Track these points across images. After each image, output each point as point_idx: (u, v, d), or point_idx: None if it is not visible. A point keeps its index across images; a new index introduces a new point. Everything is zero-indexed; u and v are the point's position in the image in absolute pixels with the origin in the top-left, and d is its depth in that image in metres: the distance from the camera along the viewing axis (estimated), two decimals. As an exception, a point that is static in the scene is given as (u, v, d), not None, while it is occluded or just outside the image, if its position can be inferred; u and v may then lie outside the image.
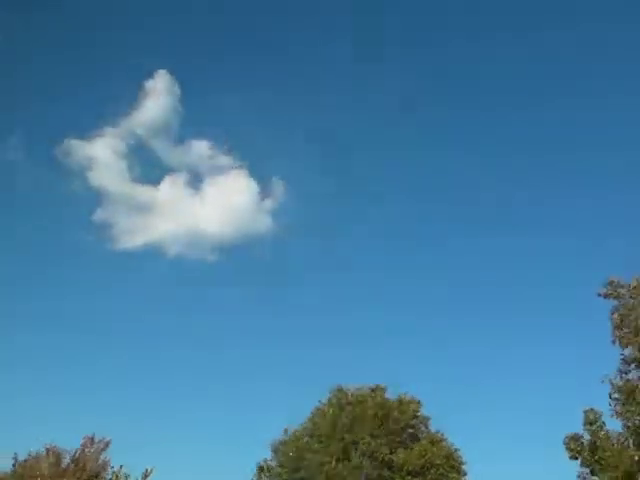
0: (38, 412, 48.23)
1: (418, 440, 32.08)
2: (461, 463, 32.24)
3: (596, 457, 20.82)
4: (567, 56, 73.10)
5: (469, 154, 71.46)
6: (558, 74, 72.48)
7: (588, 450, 21.09)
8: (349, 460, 30.82)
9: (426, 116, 75.19)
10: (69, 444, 28.26)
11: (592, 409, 21.64)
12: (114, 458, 28.52)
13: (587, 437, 21.55)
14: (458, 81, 74.92)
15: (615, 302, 22.12)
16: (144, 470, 27.70)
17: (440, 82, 74.39)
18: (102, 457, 28.29)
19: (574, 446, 21.32)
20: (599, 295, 22.44)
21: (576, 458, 21.40)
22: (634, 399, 21.01)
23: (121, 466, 28.07)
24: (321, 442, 31.44)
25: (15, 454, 27.61)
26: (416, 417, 32.83)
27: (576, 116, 72.28)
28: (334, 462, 30.79)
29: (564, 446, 21.58)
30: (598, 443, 20.92)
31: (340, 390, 33.56)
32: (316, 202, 68.57)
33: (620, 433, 21.34)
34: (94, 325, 62.24)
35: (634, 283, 22.09)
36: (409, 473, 30.37)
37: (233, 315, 66.80)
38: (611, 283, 22.24)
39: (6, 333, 57.65)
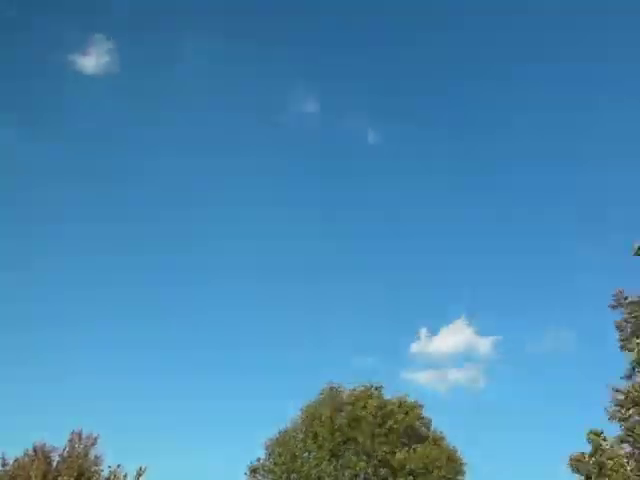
0: (26, 408, 47.96)
1: (419, 441, 31.52)
2: (462, 464, 31.79)
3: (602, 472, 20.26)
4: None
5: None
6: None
7: (593, 469, 20.50)
8: (345, 459, 30.33)
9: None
10: (58, 442, 27.97)
11: (594, 430, 21.12)
12: (106, 457, 28.20)
13: (592, 457, 21.00)
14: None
15: (623, 311, 21.45)
16: (137, 468, 27.58)
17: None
18: (92, 453, 28.03)
19: (581, 468, 20.77)
20: (609, 307, 21.80)
21: (581, 474, 20.85)
22: (633, 401, 20.47)
23: (118, 465, 27.87)
24: (316, 442, 30.87)
25: (3, 454, 27.25)
26: (420, 419, 32.37)
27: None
28: (329, 461, 30.27)
29: (570, 467, 21.02)
30: (603, 465, 20.36)
31: (333, 389, 32.95)
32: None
33: (618, 437, 20.82)
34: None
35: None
36: (410, 473, 29.85)
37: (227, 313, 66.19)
38: (619, 294, 21.55)
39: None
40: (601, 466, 20.20)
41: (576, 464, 20.91)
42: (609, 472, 19.77)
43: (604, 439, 20.81)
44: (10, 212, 64.17)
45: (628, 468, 19.66)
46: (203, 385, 57.34)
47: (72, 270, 63.76)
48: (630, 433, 20.46)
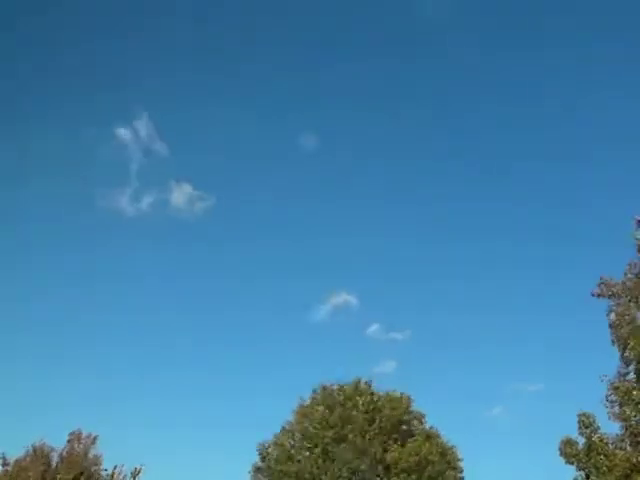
0: (25, 409, 48.05)
1: (412, 437, 31.56)
2: (457, 460, 31.83)
3: (591, 460, 20.30)
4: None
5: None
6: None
7: (583, 454, 20.54)
8: (339, 459, 30.33)
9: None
10: (58, 442, 28.17)
11: (585, 413, 21.10)
12: (106, 457, 28.41)
13: (582, 441, 20.99)
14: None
15: (610, 301, 21.57)
16: (132, 469, 27.90)
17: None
18: (92, 453, 28.25)
19: (569, 450, 20.80)
20: (593, 295, 21.85)
21: (572, 463, 20.88)
22: (632, 400, 20.46)
23: (115, 466, 28.10)
24: (310, 442, 30.97)
25: (3, 454, 27.44)
26: (409, 413, 32.31)
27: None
28: (323, 461, 30.34)
29: (558, 451, 21.06)
30: (593, 446, 20.37)
31: (325, 388, 33.04)
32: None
33: (617, 435, 20.82)
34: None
35: (628, 280, 21.42)
36: (404, 470, 29.88)
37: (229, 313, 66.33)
38: (604, 282, 21.62)
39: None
40: (591, 450, 20.15)
41: (569, 454, 20.89)
42: (600, 458, 19.76)
43: (596, 428, 20.75)
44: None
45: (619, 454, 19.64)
46: (203, 385, 57.77)
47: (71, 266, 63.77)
48: (632, 431, 20.44)
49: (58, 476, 27.21)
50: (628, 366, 21.19)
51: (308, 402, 32.92)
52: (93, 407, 48.93)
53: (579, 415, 21.03)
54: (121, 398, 54.35)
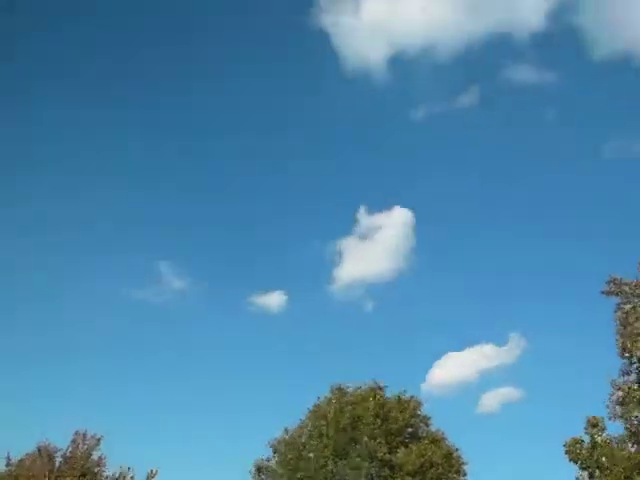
0: (31, 411, 48.06)
1: (418, 439, 31.54)
2: (462, 463, 31.76)
3: (594, 459, 20.31)
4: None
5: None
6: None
7: (587, 453, 20.54)
8: (349, 460, 30.34)
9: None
10: (64, 443, 28.13)
11: (594, 416, 21.12)
12: (113, 457, 28.40)
13: (587, 440, 21.01)
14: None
15: (618, 300, 21.56)
16: (149, 471, 27.84)
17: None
18: (95, 454, 28.16)
19: (574, 449, 20.80)
20: (602, 293, 21.86)
21: (575, 461, 20.88)
22: (634, 398, 20.48)
23: (129, 468, 28.07)
24: (321, 442, 30.94)
25: (8, 453, 27.46)
26: (416, 416, 32.27)
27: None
28: (333, 462, 30.34)
29: (564, 449, 21.07)
30: (597, 446, 20.38)
31: (340, 389, 32.99)
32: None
33: (620, 435, 20.83)
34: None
35: (638, 280, 21.45)
36: (408, 473, 29.84)
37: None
38: (614, 281, 21.64)
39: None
40: (594, 445, 20.16)
41: (573, 453, 20.89)
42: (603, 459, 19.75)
43: (602, 429, 20.75)
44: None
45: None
46: (207, 386, 57.65)
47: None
48: (634, 430, 20.43)
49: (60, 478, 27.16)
50: (631, 365, 21.17)
51: (321, 402, 32.94)
52: (97, 405, 48.90)
53: (587, 417, 21.04)
54: (124, 398, 54.13)
